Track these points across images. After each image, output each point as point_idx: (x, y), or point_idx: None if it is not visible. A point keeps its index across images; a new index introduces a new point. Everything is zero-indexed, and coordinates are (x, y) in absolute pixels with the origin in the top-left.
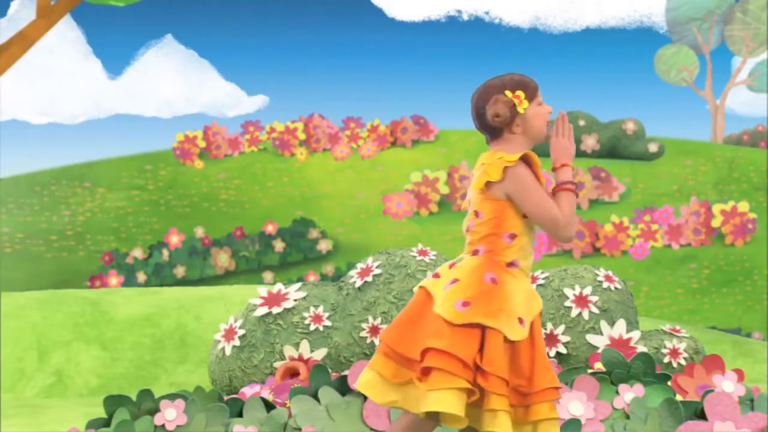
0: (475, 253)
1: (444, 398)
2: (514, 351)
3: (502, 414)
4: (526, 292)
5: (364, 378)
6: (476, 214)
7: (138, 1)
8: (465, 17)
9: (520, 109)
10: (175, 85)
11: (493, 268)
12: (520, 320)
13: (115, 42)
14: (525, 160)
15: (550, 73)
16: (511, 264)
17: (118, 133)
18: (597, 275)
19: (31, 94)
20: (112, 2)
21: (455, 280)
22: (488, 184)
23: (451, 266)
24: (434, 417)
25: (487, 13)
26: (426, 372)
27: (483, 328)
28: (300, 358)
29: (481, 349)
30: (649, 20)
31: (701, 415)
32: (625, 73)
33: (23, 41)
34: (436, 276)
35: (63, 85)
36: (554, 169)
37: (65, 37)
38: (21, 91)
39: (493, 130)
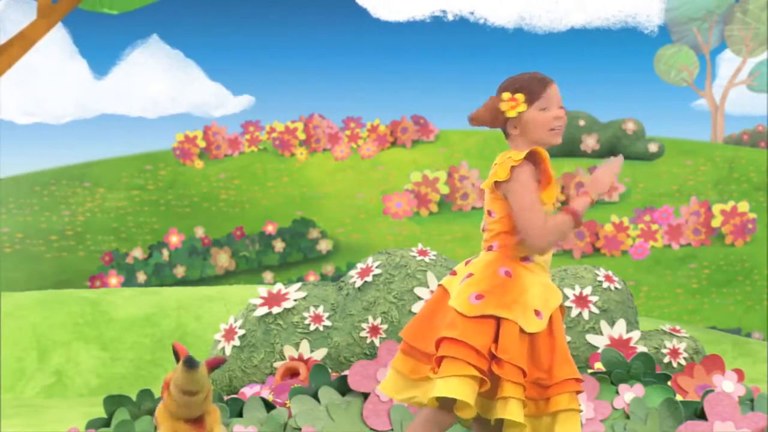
0: (489, 249)
1: (453, 385)
2: (533, 344)
3: (513, 401)
4: (543, 285)
5: (385, 378)
6: (489, 213)
7: (130, 10)
8: (450, 17)
9: (512, 113)
10: (161, 85)
11: (507, 262)
12: (537, 312)
13: (101, 42)
14: (531, 158)
15: (546, 73)
16: (525, 259)
17: (103, 133)
18: (597, 275)
19: (17, 94)
20: (105, 10)
21: (470, 275)
22: (497, 184)
23: (467, 263)
24: (449, 408)
25: (471, 13)
26: (439, 362)
27: (498, 319)
28: (300, 358)
29: (496, 340)
30: (633, 20)
31: (701, 415)
32: (612, 74)
33: (24, 41)
34: (453, 273)
35: (49, 85)
36: (578, 194)
37: (51, 37)
38: (6, 91)
39: (502, 128)
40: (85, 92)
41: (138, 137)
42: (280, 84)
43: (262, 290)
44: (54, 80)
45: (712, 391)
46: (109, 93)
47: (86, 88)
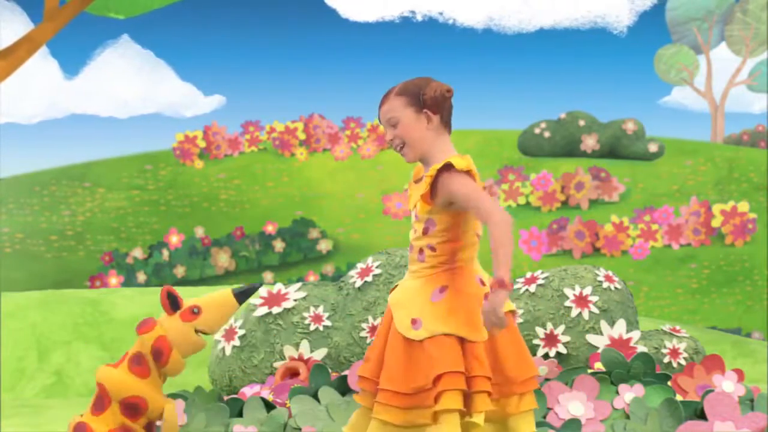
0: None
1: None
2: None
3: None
4: None
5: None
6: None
7: (137, 14)
8: (419, 18)
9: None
10: (132, 85)
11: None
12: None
13: (72, 42)
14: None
15: (544, 71)
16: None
17: (75, 133)
18: (597, 275)
19: None
20: (112, 14)
21: None
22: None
23: None
24: None
25: (440, 13)
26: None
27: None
28: (300, 358)
29: None
30: (603, 21)
31: (701, 415)
32: (594, 74)
33: (30, 44)
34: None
35: (20, 85)
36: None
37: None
38: None
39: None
40: (56, 92)
41: (111, 137)
42: (252, 84)
43: (262, 290)
44: (25, 80)
45: (712, 391)
46: (80, 93)
47: (57, 88)
